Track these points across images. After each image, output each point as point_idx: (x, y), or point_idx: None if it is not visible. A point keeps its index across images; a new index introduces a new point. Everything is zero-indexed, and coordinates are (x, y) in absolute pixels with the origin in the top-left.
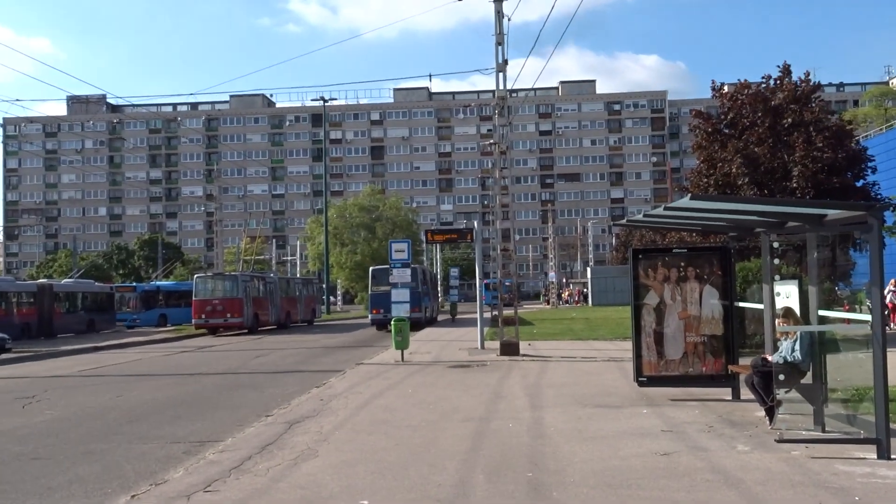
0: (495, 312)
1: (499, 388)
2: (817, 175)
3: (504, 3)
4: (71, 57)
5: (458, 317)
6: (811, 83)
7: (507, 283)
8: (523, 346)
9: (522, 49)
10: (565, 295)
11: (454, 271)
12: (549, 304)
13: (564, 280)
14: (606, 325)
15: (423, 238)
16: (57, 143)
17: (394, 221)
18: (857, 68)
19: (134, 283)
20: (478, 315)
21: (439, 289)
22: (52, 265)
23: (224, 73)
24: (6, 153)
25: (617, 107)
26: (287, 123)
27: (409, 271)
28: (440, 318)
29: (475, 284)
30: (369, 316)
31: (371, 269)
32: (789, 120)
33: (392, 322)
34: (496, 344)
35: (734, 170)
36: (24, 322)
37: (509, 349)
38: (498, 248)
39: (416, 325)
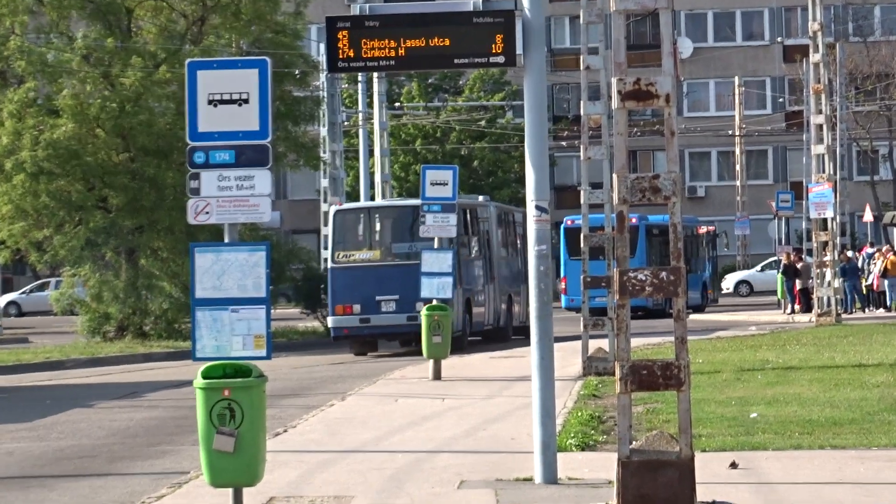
0: (595, 335)
1: None
2: None
3: None
4: None
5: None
6: None
7: (650, 227)
8: (713, 471)
9: None
10: (874, 274)
11: (436, 178)
12: (801, 308)
13: (870, 215)
14: None
15: (321, 52)
16: None
17: None
18: None
19: None
20: (533, 346)
21: None
22: None
23: None
24: None
25: None
26: None
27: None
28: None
29: (514, 237)
30: (329, 321)
31: (334, 209)
32: None
33: (200, 407)
34: (604, 462)
35: None
36: None
37: (654, 488)
38: (612, 86)
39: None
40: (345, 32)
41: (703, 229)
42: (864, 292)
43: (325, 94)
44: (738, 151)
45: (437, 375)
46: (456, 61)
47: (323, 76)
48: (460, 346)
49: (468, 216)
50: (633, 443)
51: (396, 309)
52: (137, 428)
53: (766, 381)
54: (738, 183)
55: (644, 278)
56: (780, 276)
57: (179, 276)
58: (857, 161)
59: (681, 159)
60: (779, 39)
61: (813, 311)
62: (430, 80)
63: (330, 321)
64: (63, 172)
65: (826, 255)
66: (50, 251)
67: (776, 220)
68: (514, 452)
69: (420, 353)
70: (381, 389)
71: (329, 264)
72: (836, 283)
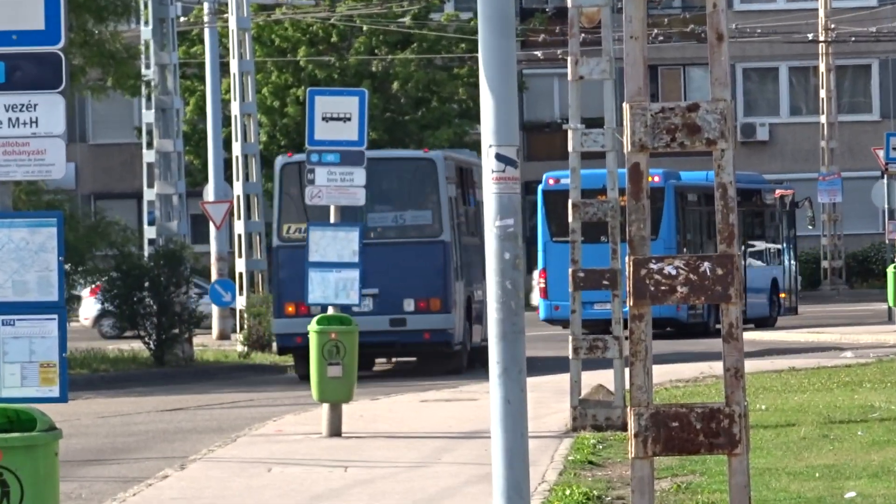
0: (592, 364)
1: None
2: None
3: None
4: None
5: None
6: None
7: (683, 189)
8: None
9: None
10: None
11: (332, 110)
12: None
13: None
14: None
15: None
16: None
17: None
18: None
19: None
20: (493, 382)
21: None
22: None
23: None
24: None
25: None
26: None
27: None
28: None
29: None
30: (274, 325)
31: (280, 160)
32: None
33: None
34: None
35: None
36: None
37: None
38: None
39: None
40: None
41: (777, 192)
42: None
43: None
44: (822, 68)
45: (335, 430)
46: None
47: None
48: (457, 367)
49: (464, 180)
50: None
51: (374, 309)
52: None
53: (870, 439)
54: (822, 119)
55: (674, 273)
56: (892, 270)
57: None
58: None
59: (732, 80)
60: None
61: None
62: None
63: (275, 326)
64: None
65: None
66: None
67: (885, 180)
68: None
69: (411, 374)
70: (245, 452)
71: (274, 241)
72: None
